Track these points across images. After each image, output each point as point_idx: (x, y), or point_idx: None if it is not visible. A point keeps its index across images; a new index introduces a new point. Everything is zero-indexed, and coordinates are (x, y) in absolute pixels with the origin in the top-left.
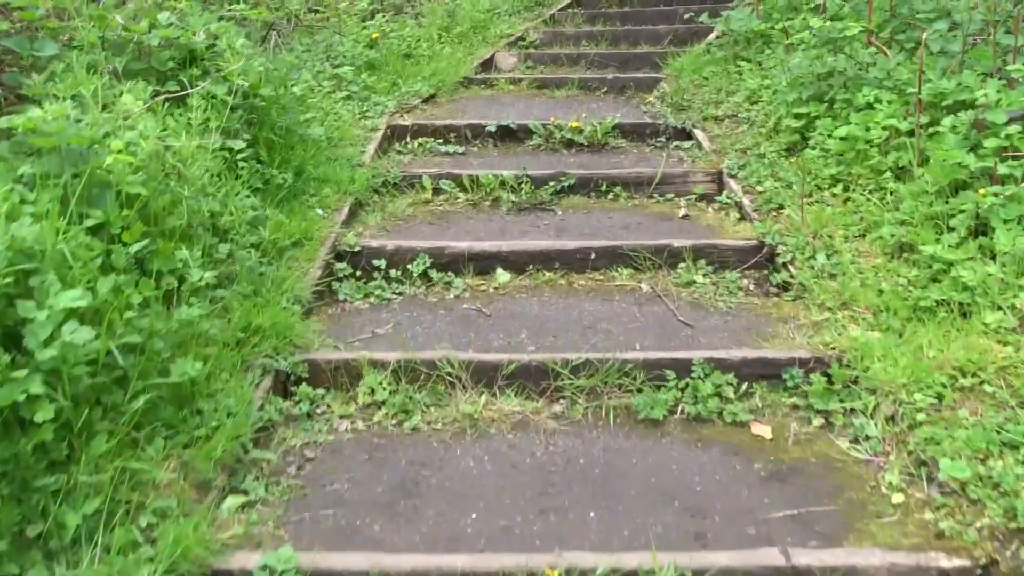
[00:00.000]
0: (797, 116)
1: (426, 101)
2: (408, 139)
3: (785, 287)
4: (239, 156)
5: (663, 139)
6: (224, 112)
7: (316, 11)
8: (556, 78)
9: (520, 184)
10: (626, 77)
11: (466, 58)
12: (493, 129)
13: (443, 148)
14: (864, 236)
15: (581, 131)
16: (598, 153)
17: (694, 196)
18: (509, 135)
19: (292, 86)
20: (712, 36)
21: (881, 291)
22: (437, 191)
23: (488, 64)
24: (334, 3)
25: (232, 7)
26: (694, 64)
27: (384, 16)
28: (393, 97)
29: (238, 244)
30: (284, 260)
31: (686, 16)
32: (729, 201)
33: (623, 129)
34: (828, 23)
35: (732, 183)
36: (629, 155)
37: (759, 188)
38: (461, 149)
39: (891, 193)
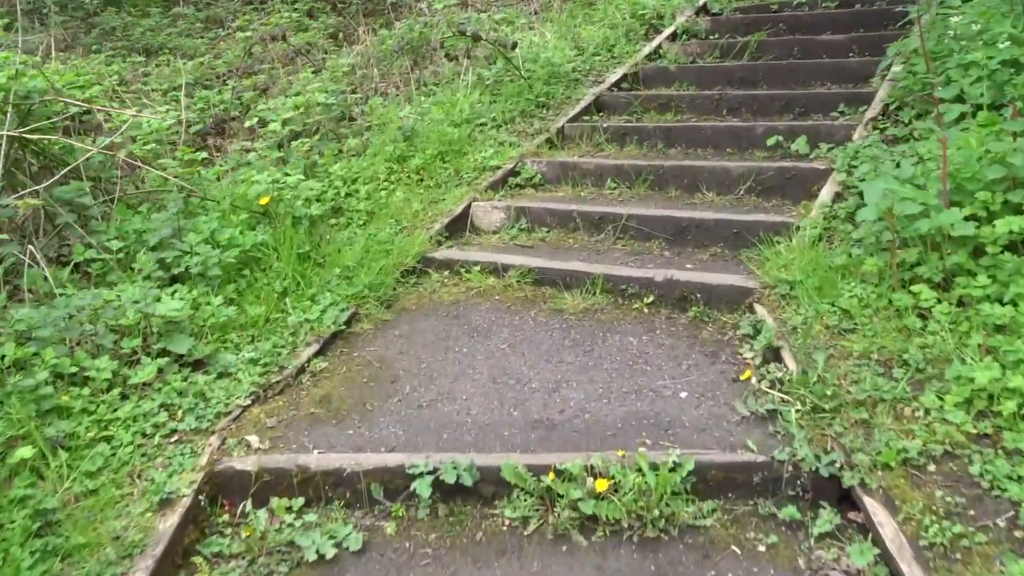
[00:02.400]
0: None
1: (331, 341)
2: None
3: None
4: None
5: (794, 507)
6: None
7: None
8: (564, 269)
9: None
10: (686, 279)
11: (425, 213)
12: (427, 489)
13: (313, 544)
14: None
15: (617, 487)
16: (653, 553)
17: None
18: (461, 496)
19: None
20: (826, 194)
21: None
22: None
23: (460, 223)
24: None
25: None
26: (813, 268)
27: (308, 143)
28: (255, 371)
29: None
30: None
31: (770, 141)
32: None
33: (707, 481)
34: None
35: None
36: (724, 561)
37: None
38: (356, 541)
39: None
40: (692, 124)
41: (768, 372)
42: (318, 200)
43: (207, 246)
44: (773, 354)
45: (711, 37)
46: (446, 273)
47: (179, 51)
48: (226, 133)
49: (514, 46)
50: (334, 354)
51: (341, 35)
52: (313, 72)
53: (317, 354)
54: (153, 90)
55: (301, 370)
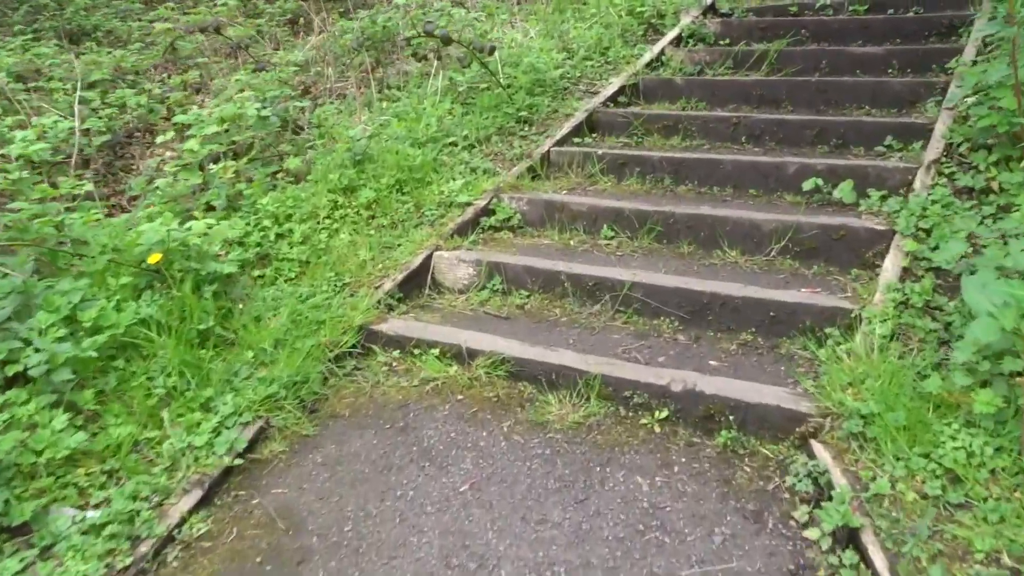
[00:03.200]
0: None
1: (222, 481)
2: None
3: None
4: None
5: None
6: None
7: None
8: (549, 363)
9: None
10: (712, 390)
11: (375, 264)
12: None
13: None
14: None
15: None
16: None
17: None
18: None
19: None
20: (891, 269)
21: None
22: None
23: (418, 278)
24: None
25: None
26: (894, 393)
27: (234, 165)
28: (95, 549)
29: None
30: None
31: (807, 185)
32: None
33: None
34: None
35: None
36: None
37: None
38: None
39: None
40: (707, 156)
41: (843, 565)
42: (240, 244)
43: (61, 330)
44: (847, 535)
45: (721, 43)
46: (395, 354)
47: (113, 36)
48: (139, 145)
49: (492, 51)
50: (223, 504)
51: (302, 21)
52: (255, 70)
53: (198, 506)
54: (56, 90)
55: (168, 539)
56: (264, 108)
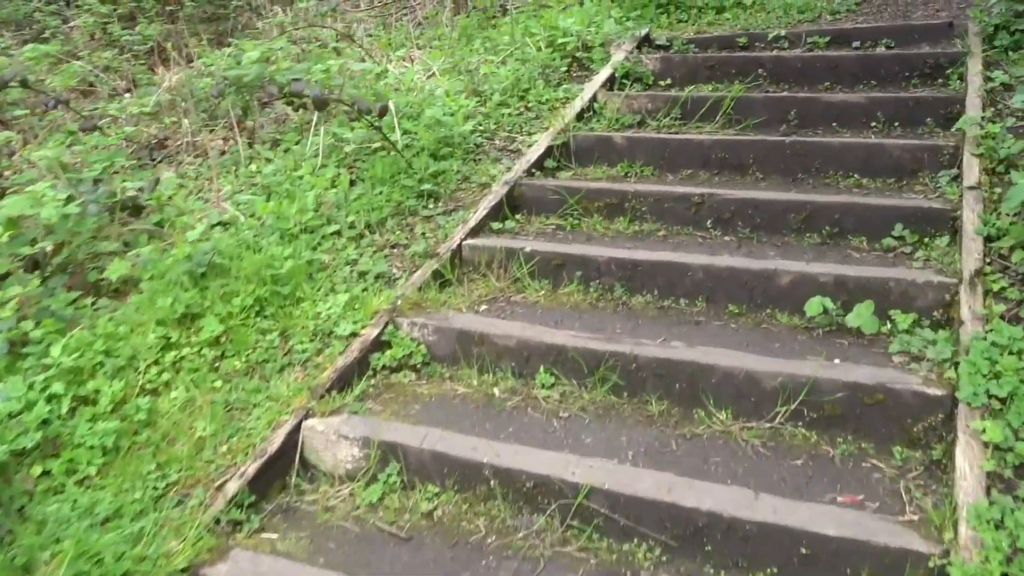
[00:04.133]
0: None
1: None
2: None
3: None
4: None
5: None
6: None
7: None
8: None
9: None
10: None
11: (219, 443)
12: None
13: None
14: None
15: None
16: None
17: None
18: None
19: None
20: (969, 478)
21: None
22: None
23: (281, 464)
24: None
25: None
26: None
27: (18, 291)
28: None
29: None
30: None
31: (811, 309)
32: None
33: None
34: None
35: None
36: None
37: None
38: None
39: None
40: (668, 258)
41: None
42: (11, 417)
43: None
44: None
45: (663, 83)
46: None
47: None
48: None
49: (383, 111)
50: None
51: (171, 47)
52: (82, 130)
53: None
54: None
55: None
56: (79, 196)
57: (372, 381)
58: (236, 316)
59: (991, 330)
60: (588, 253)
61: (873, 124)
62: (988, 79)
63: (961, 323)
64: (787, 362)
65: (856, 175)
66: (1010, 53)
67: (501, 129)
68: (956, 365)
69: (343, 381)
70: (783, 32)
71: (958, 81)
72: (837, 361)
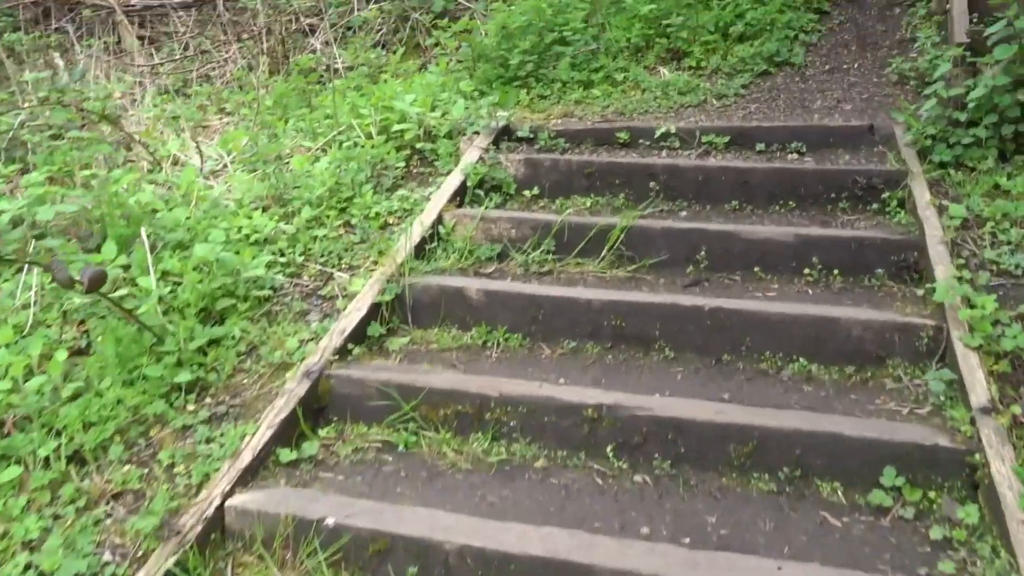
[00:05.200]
0: None
1: None
2: None
3: None
4: None
5: None
6: None
7: None
8: None
9: None
10: None
11: None
12: None
13: None
14: None
15: None
16: None
17: None
18: None
19: None
20: None
21: None
22: None
23: None
24: None
25: None
26: None
27: None
28: None
29: None
30: None
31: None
32: None
33: None
34: None
35: None
36: None
37: None
38: None
39: None
40: (564, 556)
41: None
42: None
43: None
44: None
45: (529, 194)
46: None
47: None
48: None
49: (96, 282)
50: None
51: None
52: None
53: None
54: None
55: None
56: None
57: None
58: None
59: None
60: (430, 535)
61: (807, 272)
62: (943, 211)
63: None
64: None
65: (802, 359)
66: (952, 172)
67: (312, 261)
68: None
69: None
70: (672, 128)
71: (900, 211)
72: None
